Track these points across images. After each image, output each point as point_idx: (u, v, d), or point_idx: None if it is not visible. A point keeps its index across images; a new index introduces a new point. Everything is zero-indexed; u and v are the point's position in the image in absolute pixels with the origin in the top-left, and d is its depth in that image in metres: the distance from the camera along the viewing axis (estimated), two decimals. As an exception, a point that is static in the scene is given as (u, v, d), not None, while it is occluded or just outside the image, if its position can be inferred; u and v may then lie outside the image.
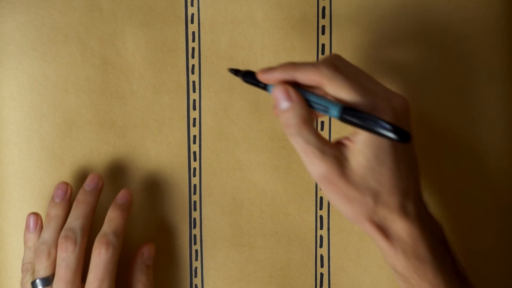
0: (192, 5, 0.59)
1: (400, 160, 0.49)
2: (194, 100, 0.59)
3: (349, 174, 0.48)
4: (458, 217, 0.59)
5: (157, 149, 0.60)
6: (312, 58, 0.59)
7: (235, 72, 0.54)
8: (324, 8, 0.59)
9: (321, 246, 0.60)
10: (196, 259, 0.60)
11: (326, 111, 0.47)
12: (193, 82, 0.59)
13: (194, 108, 0.60)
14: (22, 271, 0.56)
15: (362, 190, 0.49)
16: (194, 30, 0.59)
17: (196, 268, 0.60)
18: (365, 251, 0.60)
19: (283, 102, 0.49)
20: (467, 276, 0.54)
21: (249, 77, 0.52)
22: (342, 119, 0.46)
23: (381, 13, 0.59)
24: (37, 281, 0.55)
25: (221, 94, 0.59)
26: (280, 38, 0.59)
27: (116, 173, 0.60)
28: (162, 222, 0.60)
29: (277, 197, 0.60)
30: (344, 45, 0.59)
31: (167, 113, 0.59)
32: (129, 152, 0.59)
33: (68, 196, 0.57)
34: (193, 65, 0.59)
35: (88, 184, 0.57)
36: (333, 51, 0.59)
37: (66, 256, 0.54)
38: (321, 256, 0.60)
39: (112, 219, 0.56)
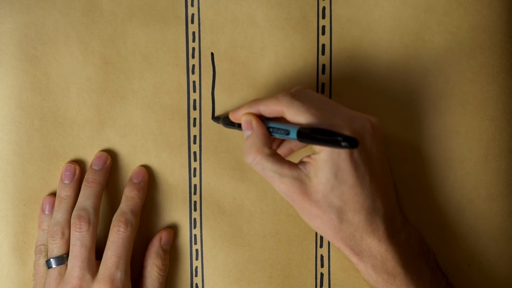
0: (192, 5, 0.59)
1: (363, 179, 0.50)
2: (194, 100, 0.60)
3: (311, 192, 0.50)
4: (458, 217, 0.59)
5: (157, 149, 0.60)
6: (312, 58, 0.59)
7: (217, 119, 0.58)
8: (324, 8, 0.59)
9: (321, 246, 0.60)
10: (197, 259, 0.60)
11: (288, 134, 0.50)
12: (193, 82, 0.59)
13: (194, 108, 0.60)
14: (36, 252, 0.58)
15: (325, 208, 0.50)
16: (194, 30, 0.59)
17: (196, 267, 0.60)
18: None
19: (246, 131, 0.53)
20: (451, 286, 0.55)
21: (226, 121, 0.57)
22: (299, 138, 0.48)
23: (381, 13, 0.59)
24: (51, 260, 0.56)
25: (221, 94, 0.59)
26: (280, 38, 0.59)
27: (117, 173, 0.60)
28: (162, 222, 0.60)
29: (278, 197, 0.60)
30: (344, 45, 0.59)
31: (167, 113, 0.59)
32: (130, 151, 0.60)
33: (77, 177, 0.59)
34: (193, 65, 0.59)
35: (96, 163, 0.59)
36: (333, 51, 0.59)
37: (80, 235, 0.56)
38: (321, 256, 0.60)
39: (129, 198, 0.58)
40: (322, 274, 0.60)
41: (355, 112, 0.52)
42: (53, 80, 0.59)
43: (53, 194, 0.59)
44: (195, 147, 0.60)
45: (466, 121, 0.59)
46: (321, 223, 0.51)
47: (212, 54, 0.59)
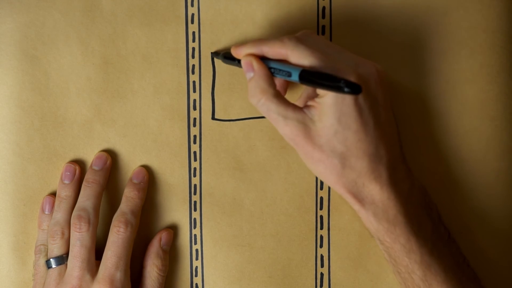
0: (192, 5, 0.59)
1: (367, 125, 0.50)
2: (194, 100, 0.60)
3: (314, 136, 0.50)
4: (458, 217, 0.59)
5: (157, 149, 0.60)
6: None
7: (216, 54, 0.58)
8: (324, 8, 0.59)
9: (321, 246, 0.60)
10: (197, 259, 0.60)
11: (289, 76, 0.49)
12: (193, 82, 0.59)
13: (194, 108, 0.60)
14: (35, 252, 0.58)
15: (328, 153, 0.50)
16: (194, 30, 0.59)
17: (196, 267, 0.60)
18: (365, 251, 0.60)
19: (247, 73, 0.52)
20: (453, 242, 0.55)
21: (227, 56, 0.56)
22: (301, 80, 0.48)
23: (381, 13, 0.59)
24: (51, 260, 0.56)
25: (221, 94, 0.59)
26: (280, 38, 0.59)
27: (117, 173, 0.60)
28: (162, 222, 0.60)
29: (277, 197, 0.60)
30: (344, 45, 0.59)
31: (167, 113, 0.59)
32: (130, 151, 0.60)
33: (77, 177, 0.59)
34: (193, 65, 0.59)
35: (96, 163, 0.59)
36: (333, 51, 0.59)
37: (80, 236, 0.56)
38: (321, 256, 0.60)
39: (129, 199, 0.58)
40: (322, 274, 0.60)
41: (361, 59, 0.52)
42: (53, 80, 0.59)
43: (53, 194, 0.59)
44: (195, 147, 0.60)
45: (466, 121, 0.59)
46: (324, 168, 0.51)
47: (212, 54, 0.59)
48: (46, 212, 0.58)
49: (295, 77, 0.49)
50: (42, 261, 0.57)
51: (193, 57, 0.59)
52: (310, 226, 0.60)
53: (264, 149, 0.60)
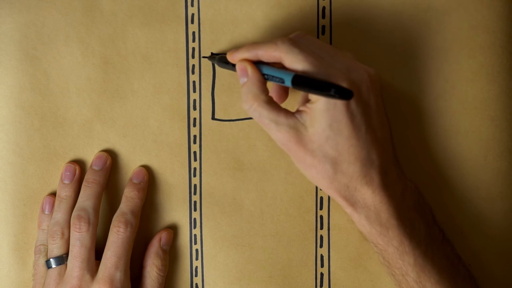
0: (192, 5, 0.59)
1: (359, 130, 0.50)
2: (194, 100, 0.60)
3: (306, 141, 0.50)
4: (458, 217, 0.59)
5: (157, 149, 0.60)
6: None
7: (212, 58, 0.58)
8: (324, 8, 0.59)
9: (321, 246, 0.60)
10: (197, 259, 0.60)
11: (283, 82, 0.49)
12: (193, 82, 0.59)
13: (194, 108, 0.60)
14: (35, 252, 0.58)
15: (320, 158, 0.50)
16: (194, 30, 0.59)
17: (196, 267, 0.60)
18: (365, 251, 0.60)
19: (241, 78, 0.52)
20: (448, 242, 0.55)
21: (222, 60, 0.55)
22: (294, 85, 0.48)
23: (381, 13, 0.59)
24: (51, 260, 0.56)
25: (221, 94, 0.59)
26: (280, 38, 0.59)
27: (117, 173, 0.60)
28: (163, 222, 0.60)
29: (277, 197, 0.60)
30: (344, 45, 0.59)
31: (167, 113, 0.59)
32: (130, 151, 0.60)
33: (77, 177, 0.59)
34: (193, 65, 0.59)
35: (96, 163, 0.59)
36: (333, 51, 0.59)
37: (80, 236, 0.56)
38: (321, 256, 0.60)
39: (129, 199, 0.58)
40: (322, 274, 0.60)
41: (354, 62, 0.52)
42: (53, 80, 0.59)
43: (53, 194, 0.59)
44: (195, 147, 0.60)
45: (466, 121, 0.59)
46: (316, 173, 0.51)
47: (212, 54, 0.59)
48: (46, 212, 0.58)
49: (288, 82, 0.49)
50: (42, 261, 0.57)
51: (193, 57, 0.59)
52: (310, 226, 0.60)
53: (264, 149, 0.60)
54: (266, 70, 0.52)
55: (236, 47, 0.54)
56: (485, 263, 0.59)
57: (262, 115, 0.51)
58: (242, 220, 0.60)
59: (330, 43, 0.59)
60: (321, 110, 0.49)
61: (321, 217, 0.60)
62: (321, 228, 0.60)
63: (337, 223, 0.60)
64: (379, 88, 0.53)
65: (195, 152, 0.60)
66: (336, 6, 0.59)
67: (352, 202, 0.52)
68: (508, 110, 0.59)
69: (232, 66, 0.54)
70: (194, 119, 0.60)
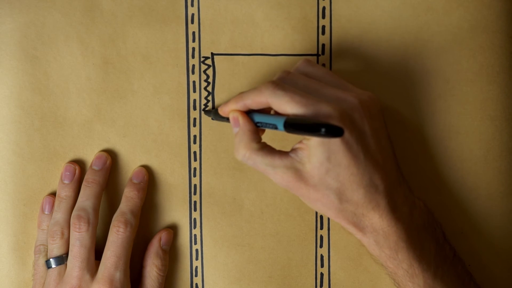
0: (192, 5, 0.59)
1: (357, 158, 0.50)
2: (194, 100, 0.60)
3: (307, 177, 0.50)
4: (458, 217, 0.59)
5: (157, 149, 0.60)
6: (312, 58, 0.59)
7: (208, 112, 0.58)
8: (324, 8, 0.59)
9: (321, 246, 0.60)
10: (197, 259, 0.60)
11: (276, 128, 0.50)
12: (193, 82, 0.59)
13: (194, 108, 0.60)
14: (35, 252, 0.58)
15: (323, 191, 0.51)
16: (194, 30, 0.59)
17: (196, 267, 0.60)
18: (365, 251, 0.60)
19: (234, 128, 0.53)
20: (459, 260, 0.55)
21: (217, 113, 0.56)
22: (287, 131, 0.48)
23: (381, 13, 0.59)
24: (51, 260, 0.57)
25: (221, 94, 0.59)
26: (280, 38, 0.59)
27: (117, 173, 0.60)
28: (163, 222, 0.60)
29: (278, 197, 0.60)
30: (344, 45, 0.59)
31: (167, 113, 0.59)
32: (130, 151, 0.60)
33: (76, 177, 0.59)
34: (193, 65, 0.59)
35: (96, 163, 0.59)
36: (333, 51, 0.59)
37: (80, 236, 0.56)
38: (321, 256, 0.60)
39: (129, 199, 0.58)
40: (322, 274, 0.60)
41: (343, 91, 0.52)
42: (53, 80, 0.59)
43: (53, 194, 0.59)
44: (195, 147, 0.60)
45: (466, 121, 0.59)
46: (322, 205, 0.51)
47: (212, 54, 0.59)
48: (46, 212, 0.59)
49: (280, 127, 0.49)
50: (41, 261, 0.57)
51: (193, 57, 0.59)
52: (310, 226, 0.60)
53: (264, 149, 0.60)
54: (258, 118, 0.52)
55: (225, 101, 0.55)
56: (485, 263, 0.59)
57: (256, 162, 0.51)
58: (242, 220, 0.60)
59: (330, 43, 0.59)
60: (316, 145, 0.49)
61: (321, 217, 0.60)
62: (321, 228, 0.60)
63: (337, 223, 0.60)
64: (375, 112, 0.52)
65: (195, 152, 0.60)
66: (336, 6, 0.59)
67: (361, 228, 0.52)
68: (508, 110, 0.59)
69: (227, 120, 0.55)
70: (194, 119, 0.60)
